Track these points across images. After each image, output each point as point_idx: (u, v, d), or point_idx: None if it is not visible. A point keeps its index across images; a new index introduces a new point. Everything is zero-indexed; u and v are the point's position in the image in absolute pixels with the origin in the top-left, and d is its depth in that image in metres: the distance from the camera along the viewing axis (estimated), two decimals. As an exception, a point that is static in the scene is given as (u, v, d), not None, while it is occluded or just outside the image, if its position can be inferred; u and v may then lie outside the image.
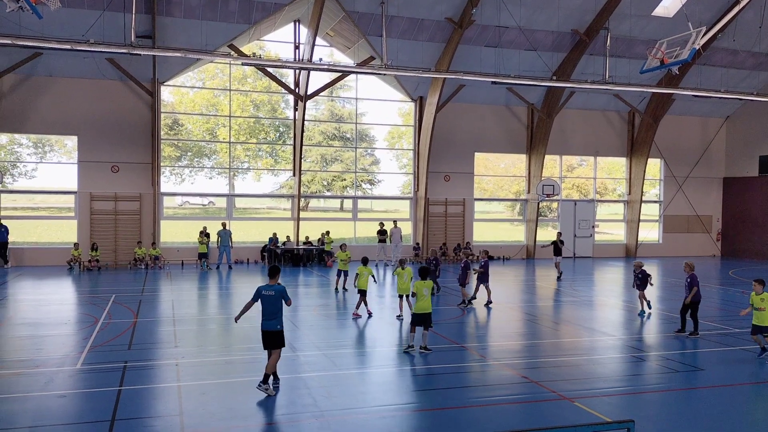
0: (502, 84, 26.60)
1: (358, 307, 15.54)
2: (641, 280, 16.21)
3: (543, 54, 27.99)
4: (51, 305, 17.05)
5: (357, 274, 15.86)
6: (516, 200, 34.03)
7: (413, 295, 12.34)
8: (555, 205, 33.75)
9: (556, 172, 33.36)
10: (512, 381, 10.47)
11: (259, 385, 9.36)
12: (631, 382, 10.71)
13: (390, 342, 13.41)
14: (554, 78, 25.47)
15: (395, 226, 28.28)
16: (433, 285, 12.97)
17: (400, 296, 15.21)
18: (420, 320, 12.02)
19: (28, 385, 9.65)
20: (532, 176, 31.75)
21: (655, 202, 35.31)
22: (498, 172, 34.36)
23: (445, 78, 27.07)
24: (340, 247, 20.33)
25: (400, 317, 15.17)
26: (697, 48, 18.25)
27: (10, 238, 24.98)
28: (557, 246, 24.40)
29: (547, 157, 31.47)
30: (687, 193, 34.81)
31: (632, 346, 13.06)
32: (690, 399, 9.70)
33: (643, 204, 33.64)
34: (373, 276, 16.18)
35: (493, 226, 35.09)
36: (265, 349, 9.80)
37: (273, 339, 9.63)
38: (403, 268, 15.07)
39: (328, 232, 28.25)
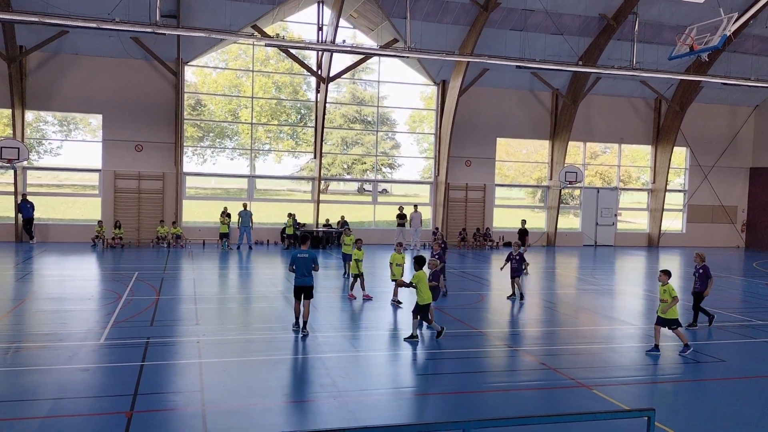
0: (527, 68, 26.26)
1: (352, 287, 15.97)
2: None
3: (569, 38, 27.57)
4: (75, 281, 17.34)
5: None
6: (537, 187, 33.75)
7: (410, 285, 11.86)
8: (577, 192, 33.44)
9: (579, 158, 32.99)
10: (530, 367, 10.45)
11: (295, 329, 11.85)
12: (651, 371, 10.63)
13: (408, 325, 13.43)
14: (580, 63, 25.14)
15: (415, 211, 28.24)
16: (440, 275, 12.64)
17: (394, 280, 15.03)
18: (420, 311, 11.65)
19: (52, 358, 9.84)
20: (555, 163, 31.44)
21: (680, 191, 34.81)
22: (520, 158, 34.09)
23: (468, 62, 26.82)
24: (344, 231, 20.01)
25: (395, 303, 15.02)
26: (728, 34, 17.85)
27: (36, 215, 25.39)
28: (523, 236, 22.57)
29: (570, 143, 31.13)
30: (712, 182, 34.25)
31: (652, 335, 12.94)
32: (711, 390, 9.61)
33: (667, 193, 33.18)
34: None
35: (513, 213, 34.86)
36: (296, 299, 11.86)
37: (306, 291, 11.83)
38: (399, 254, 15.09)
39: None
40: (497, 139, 31.17)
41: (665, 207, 33.34)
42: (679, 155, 34.28)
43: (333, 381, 9.20)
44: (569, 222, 34.14)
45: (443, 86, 29.72)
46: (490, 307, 15.83)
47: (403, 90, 31.15)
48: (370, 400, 8.56)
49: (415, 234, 28.15)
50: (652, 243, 33.56)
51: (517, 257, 16.15)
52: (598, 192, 33.14)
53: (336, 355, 10.56)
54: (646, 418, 5.27)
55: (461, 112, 29.00)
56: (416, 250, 27.68)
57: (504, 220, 32.50)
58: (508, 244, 30.94)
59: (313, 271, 11.88)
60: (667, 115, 32.71)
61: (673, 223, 34.41)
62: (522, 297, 16.14)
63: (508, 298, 16.22)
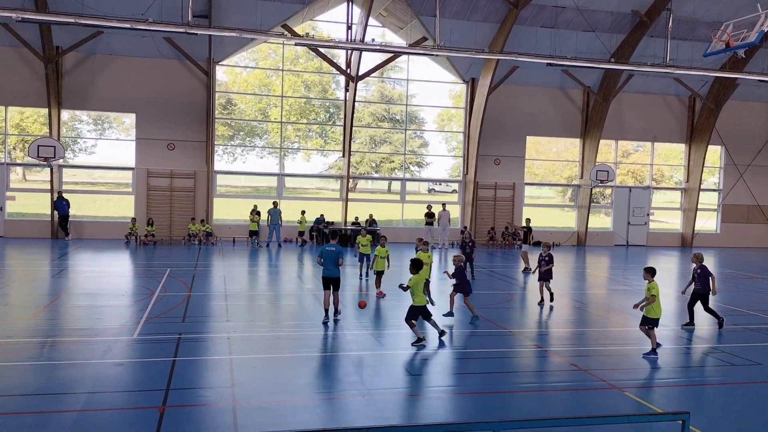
0: (558, 66, 25.97)
1: (379, 285, 16.01)
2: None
3: (601, 35, 27.21)
4: (109, 277, 17.67)
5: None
6: (568, 185, 33.36)
7: (406, 289, 11.37)
8: (609, 191, 32.99)
9: (610, 157, 32.54)
10: (561, 368, 10.34)
11: (325, 320, 12.54)
12: (684, 374, 10.44)
13: (438, 324, 13.40)
14: (612, 60, 24.79)
15: (443, 209, 28.16)
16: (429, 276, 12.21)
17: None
18: (419, 312, 11.30)
19: (87, 353, 10.04)
20: (586, 161, 31.06)
21: (714, 190, 34.11)
22: (550, 157, 33.74)
23: (498, 59, 26.64)
24: (359, 232, 19.86)
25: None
26: (766, 30, 17.42)
27: (71, 212, 25.94)
28: (527, 234, 22.08)
29: (601, 141, 30.72)
30: (748, 181, 33.47)
31: (685, 337, 12.71)
32: (747, 394, 9.38)
33: (701, 192, 32.53)
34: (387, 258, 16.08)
35: (542, 212, 34.55)
36: (325, 289, 12.76)
37: (334, 282, 12.78)
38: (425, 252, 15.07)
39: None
40: (527, 137, 30.89)
41: (699, 206, 32.70)
42: (714, 154, 33.59)
43: (361, 379, 9.22)
44: (600, 221, 33.68)
45: (472, 84, 29.56)
46: (520, 306, 15.70)
47: (431, 88, 31.07)
48: (398, 398, 8.56)
49: (444, 232, 28.06)
50: (686, 243, 32.94)
51: (546, 258, 15.39)
52: (630, 191, 32.65)
53: (364, 353, 10.58)
54: (681, 421, 5.18)
55: (490, 110, 28.82)
56: (445, 248, 27.61)
57: (532, 220, 32.16)
58: (537, 244, 30.67)
59: (339, 265, 12.73)
60: (702, 113, 32.06)
61: (707, 223, 33.73)
62: (552, 298, 15.46)
63: (539, 304, 15.43)
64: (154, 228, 25.83)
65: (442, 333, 11.59)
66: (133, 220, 25.82)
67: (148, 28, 19.08)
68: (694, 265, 13.38)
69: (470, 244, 19.05)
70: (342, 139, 29.13)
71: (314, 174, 31.85)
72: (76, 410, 7.66)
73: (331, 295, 12.74)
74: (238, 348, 10.67)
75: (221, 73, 28.56)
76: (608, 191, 33.06)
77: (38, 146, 23.92)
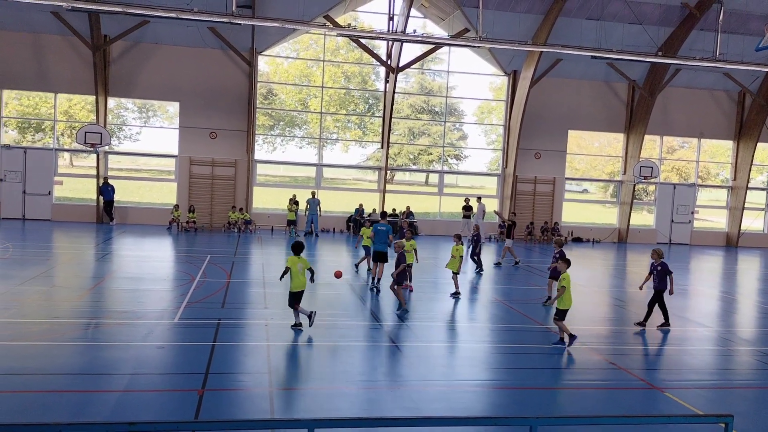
0: (603, 59, 25.42)
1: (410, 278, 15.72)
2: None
3: (648, 28, 26.54)
4: (151, 262, 18.08)
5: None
6: (610, 181, 32.74)
7: (285, 272, 11.13)
8: (652, 188, 32.27)
9: (655, 153, 31.80)
10: (599, 366, 10.19)
11: (371, 287, 14.61)
12: (726, 375, 10.19)
13: (472, 317, 13.36)
14: (659, 54, 24.18)
15: (479, 203, 27.94)
16: (309, 265, 11.39)
17: (455, 273, 14.88)
18: (298, 298, 11.12)
19: (130, 335, 10.31)
20: (629, 157, 30.42)
21: (762, 189, 33.05)
22: (591, 151, 33.14)
23: (541, 51, 26.23)
24: (364, 223, 19.66)
25: (455, 295, 14.88)
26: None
27: (116, 197, 26.59)
28: (510, 228, 21.34)
29: (646, 137, 30.03)
30: (800, 181, 32.34)
31: (727, 339, 12.39)
32: (793, 399, 9.11)
33: (748, 191, 31.56)
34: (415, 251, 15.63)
35: (583, 207, 33.99)
36: (374, 262, 15.23)
37: (382, 257, 15.03)
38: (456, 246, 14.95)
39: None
40: (569, 131, 30.40)
41: (746, 205, 31.73)
42: (763, 151, 32.52)
43: (395, 370, 9.25)
44: (642, 218, 32.99)
45: (514, 76, 29.20)
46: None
47: (471, 80, 30.80)
48: (432, 390, 8.56)
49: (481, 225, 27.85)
50: (731, 243, 32.03)
51: (557, 255, 14.08)
52: (675, 188, 31.87)
53: (399, 344, 10.60)
54: (724, 424, 5.06)
55: (532, 103, 28.43)
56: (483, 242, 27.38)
57: (572, 215, 31.75)
58: (577, 240, 30.24)
59: (389, 243, 14.77)
60: (752, 109, 31.04)
61: (754, 222, 32.71)
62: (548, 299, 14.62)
63: (544, 304, 14.53)
64: (195, 215, 26.31)
65: (310, 315, 11.11)
66: (176, 206, 26.33)
67: (193, 17, 19.36)
68: (653, 260, 12.73)
69: (475, 237, 18.67)
70: (381, 130, 29.13)
71: (352, 165, 31.96)
72: (119, 390, 7.87)
73: (378, 266, 15.08)
74: (275, 335, 10.81)
75: (263, 63, 28.81)
76: (652, 188, 32.34)
77: (85, 133, 24.54)
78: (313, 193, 27.05)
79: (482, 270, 18.77)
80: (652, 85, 29.13)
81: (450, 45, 26.45)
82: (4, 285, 13.55)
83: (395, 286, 12.94)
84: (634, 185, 30.23)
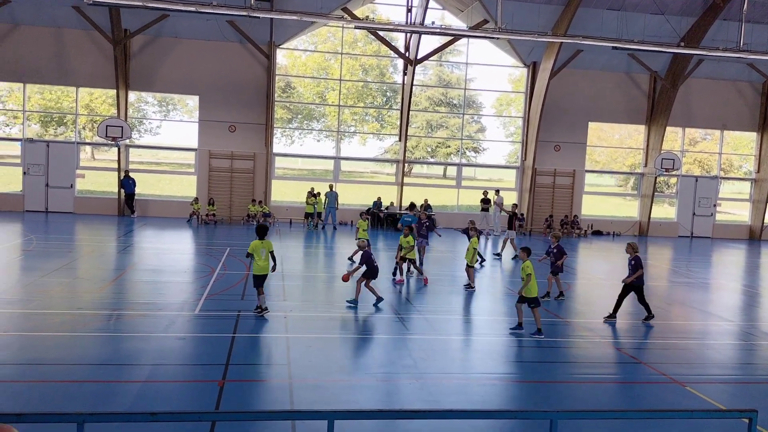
0: (624, 50, 25.08)
1: (407, 272, 15.99)
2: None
3: (671, 18, 26.13)
4: (172, 254, 18.25)
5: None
6: (631, 174, 32.38)
7: (247, 255, 11.53)
8: (674, 180, 31.87)
9: (677, 145, 31.38)
10: (619, 360, 10.11)
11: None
12: (749, 370, 10.05)
13: (489, 310, 13.31)
14: (682, 44, 23.78)
15: (498, 195, 27.80)
16: (272, 246, 11.60)
17: (470, 266, 14.94)
18: (261, 281, 11.42)
19: (151, 327, 10.42)
20: (651, 149, 30.05)
21: (788, 181, 32.46)
22: (612, 143, 32.79)
23: (561, 42, 25.96)
24: (360, 215, 19.51)
25: (467, 287, 14.93)
26: None
27: (137, 190, 26.86)
28: (512, 219, 20.98)
29: (668, 128, 29.63)
30: (826, 173, 31.71)
31: (750, 333, 12.22)
32: (818, 395, 8.96)
33: (773, 183, 31.04)
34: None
35: (603, 200, 33.67)
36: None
37: None
38: (470, 239, 15.22)
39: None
40: (589, 123, 30.09)
41: (771, 198, 31.22)
42: (789, 143, 31.92)
43: (414, 362, 9.25)
44: (664, 211, 32.61)
45: (534, 68, 28.95)
46: (577, 296, 15.41)
47: (490, 72, 30.59)
48: (451, 383, 8.55)
49: (495, 220, 27.72)
50: (754, 236, 31.55)
51: (555, 251, 14.22)
52: (697, 180, 31.44)
53: (417, 337, 10.61)
54: (747, 419, 4.99)
55: (552, 94, 28.17)
56: (497, 235, 27.29)
57: (592, 208, 31.47)
58: (597, 233, 29.98)
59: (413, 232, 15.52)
60: (777, 100, 30.48)
61: (779, 215, 32.17)
62: (560, 294, 14.42)
63: (542, 297, 13.78)
64: (215, 208, 26.50)
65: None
66: (196, 199, 26.53)
67: (212, 11, 19.42)
68: (629, 255, 12.54)
69: (465, 231, 18.19)
70: (399, 123, 29.07)
71: (370, 158, 31.94)
72: (141, 381, 7.97)
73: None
74: (294, 327, 10.86)
75: (281, 56, 28.87)
76: (673, 180, 31.93)
77: (107, 126, 24.80)
78: (331, 186, 27.10)
79: (484, 261, 18.80)
80: (674, 76, 28.71)
81: (469, 36, 26.26)
82: (28, 277, 13.77)
83: (362, 281, 12.74)
84: (656, 177, 29.87)
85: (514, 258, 20.39)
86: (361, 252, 13.23)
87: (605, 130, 32.16)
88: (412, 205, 18.06)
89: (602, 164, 32.69)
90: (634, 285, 12.36)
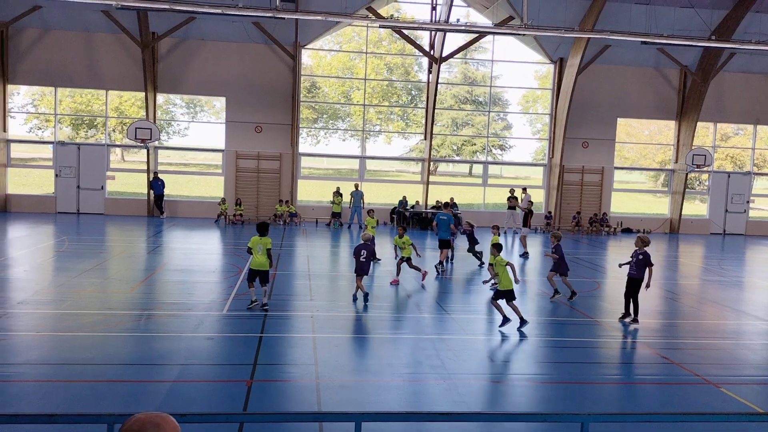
0: (653, 44, 24.64)
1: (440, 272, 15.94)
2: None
3: (701, 11, 25.61)
4: (200, 254, 18.44)
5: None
6: (661, 170, 31.84)
7: (248, 251, 11.82)
8: (705, 176, 31.25)
9: (708, 140, 30.76)
10: (651, 361, 9.93)
11: (438, 268, 16.01)
12: (788, 372, 9.77)
13: (521, 311, 13.17)
14: (713, 38, 23.28)
15: (525, 193, 27.52)
16: (270, 243, 11.71)
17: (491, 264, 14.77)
18: (254, 276, 11.63)
19: (180, 327, 10.52)
20: (681, 145, 29.49)
21: (825, 177, 31.63)
22: (641, 140, 32.27)
23: (589, 38, 25.60)
24: (368, 212, 19.34)
25: (487, 283, 14.92)
26: None
27: (165, 191, 27.20)
28: (527, 217, 20.64)
29: (699, 124, 29.06)
30: None
31: (790, 334, 11.89)
32: None
33: (809, 179, 30.27)
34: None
35: (633, 197, 33.18)
36: (441, 248, 16.59)
37: (446, 243, 16.50)
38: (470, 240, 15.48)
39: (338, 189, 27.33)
40: (618, 119, 29.65)
41: (807, 194, 30.44)
42: (826, 137, 31.11)
43: (443, 362, 9.19)
44: (695, 208, 32.02)
45: (560, 64, 28.61)
46: (607, 295, 15.19)
47: (516, 69, 30.33)
48: (480, 384, 8.48)
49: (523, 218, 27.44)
50: (790, 233, 30.79)
51: (552, 250, 13.64)
52: (729, 177, 30.78)
53: (445, 337, 10.54)
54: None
55: (579, 90, 27.82)
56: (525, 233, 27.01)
57: (621, 206, 31.02)
58: (627, 230, 29.52)
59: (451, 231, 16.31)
60: (813, 93, 29.69)
61: (816, 211, 31.36)
62: (554, 294, 13.73)
63: (552, 299, 13.66)
64: (242, 208, 26.72)
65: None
66: (223, 200, 26.78)
67: (238, 13, 19.58)
68: (636, 248, 11.98)
69: (468, 233, 17.71)
70: (424, 121, 28.98)
71: (395, 156, 31.90)
72: (171, 381, 8.04)
73: (442, 252, 16.41)
74: (321, 327, 10.88)
75: (306, 56, 28.98)
76: (705, 177, 31.31)
77: (136, 128, 25.16)
78: (356, 186, 27.12)
79: (483, 263, 18.19)
80: (705, 70, 28.14)
81: (494, 33, 26.06)
82: (61, 277, 14.02)
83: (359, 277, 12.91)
84: (687, 174, 29.32)
85: (523, 255, 20.20)
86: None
87: (634, 126, 31.68)
88: (447, 204, 18.05)
89: (631, 161, 32.20)
90: (634, 279, 11.85)
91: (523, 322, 11.13)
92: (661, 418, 5.57)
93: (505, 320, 11.14)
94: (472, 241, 17.68)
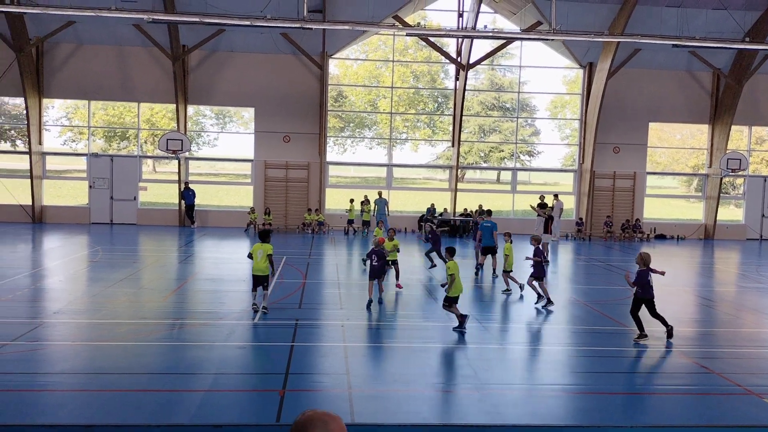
0: (685, 47, 24.24)
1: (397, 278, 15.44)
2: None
3: (734, 13, 25.10)
4: (230, 263, 18.57)
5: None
6: (694, 175, 31.22)
7: (249, 256, 12.12)
8: (740, 181, 30.56)
9: (743, 144, 30.08)
10: (689, 370, 9.67)
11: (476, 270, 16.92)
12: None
13: (550, 318, 12.99)
14: (747, 39, 22.81)
15: (556, 200, 27.19)
16: (271, 249, 11.95)
17: (506, 271, 14.90)
18: (257, 282, 11.95)
19: (212, 336, 10.58)
20: (715, 149, 28.89)
21: None
22: (673, 144, 31.71)
23: (619, 42, 25.28)
24: (377, 223, 19.10)
25: (507, 292, 14.85)
26: None
27: (196, 201, 27.53)
28: (548, 223, 20.34)
29: (733, 127, 28.43)
30: None
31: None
32: None
33: None
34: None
35: (666, 203, 32.60)
36: (483, 254, 16.86)
37: (491, 250, 16.82)
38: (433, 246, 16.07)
39: (351, 200, 27.49)
40: (649, 123, 29.17)
41: None
42: None
43: (475, 372, 9.08)
44: (730, 213, 31.32)
45: (590, 69, 28.29)
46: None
47: (544, 74, 30.07)
48: (513, 395, 8.35)
49: (555, 225, 27.10)
50: (831, 238, 29.89)
51: (534, 254, 13.69)
52: (765, 181, 30.04)
53: (476, 347, 10.42)
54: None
55: (609, 95, 27.46)
56: (556, 241, 26.70)
57: (654, 211, 30.48)
58: (660, 237, 28.97)
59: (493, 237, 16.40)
60: None
61: None
62: (538, 299, 13.53)
63: (545, 306, 13.41)
64: (271, 217, 26.89)
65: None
66: (252, 209, 26.99)
67: (266, 24, 19.78)
68: (638, 266, 11.13)
69: (432, 237, 17.67)
70: (451, 128, 28.88)
71: (423, 164, 31.80)
72: (204, 390, 8.07)
73: (489, 258, 16.88)
74: (352, 336, 10.85)
75: (333, 66, 29.13)
76: (740, 181, 30.62)
77: (167, 140, 25.53)
78: (380, 193, 27.10)
79: (434, 265, 17.90)
80: (738, 72, 27.56)
81: (522, 39, 25.89)
82: (96, 287, 14.24)
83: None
84: (721, 178, 28.70)
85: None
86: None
87: (666, 131, 31.15)
88: (488, 211, 18.20)
89: (664, 166, 31.65)
90: (641, 298, 10.97)
91: (461, 324, 11.13)
92: (704, 431, 5.40)
93: (462, 323, 11.12)
94: (436, 244, 17.51)
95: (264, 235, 12.20)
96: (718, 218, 29.30)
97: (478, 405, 7.89)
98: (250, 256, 12.09)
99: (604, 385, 8.89)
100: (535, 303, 13.57)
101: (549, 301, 13.37)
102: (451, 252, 11.62)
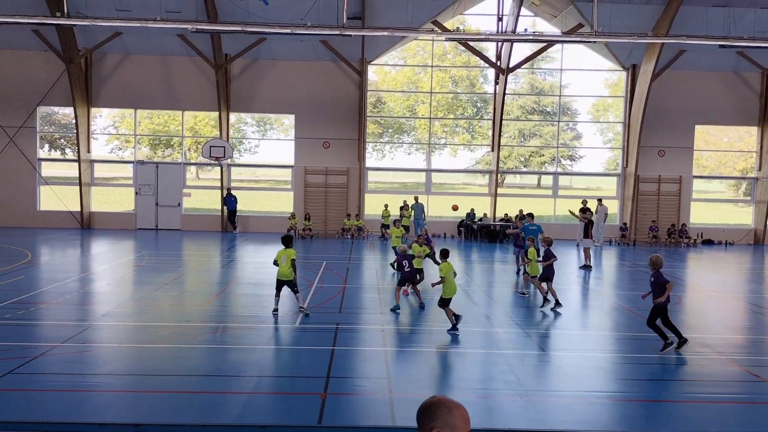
0: (732, 47, 23.59)
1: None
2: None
3: (784, 10, 24.35)
4: (271, 268, 18.63)
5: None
6: (742, 178, 30.31)
7: (274, 262, 12.30)
8: (792, 184, 29.50)
9: (794, 146, 29.06)
10: (740, 378, 9.38)
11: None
12: None
13: (593, 324, 12.77)
14: (798, 37, 22.06)
15: (600, 204, 26.72)
16: (294, 254, 12.24)
17: (533, 276, 14.30)
18: (280, 285, 12.16)
19: (255, 339, 10.72)
20: (765, 151, 27.99)
21: None
22: (720, 147, 30.85)
23: (663, 43, 24.76)
24: (394, 222, 18.92)
25: (523, 294, 14.81)
26: None
27: (238, 207, 27.96)
28: (587, 227, 19.72)
29: (784, 129, 27.54)
30: None
31: None
32: None
33: None
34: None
35: (713, 207, 31.71)
36: (527, 257, 15.03)
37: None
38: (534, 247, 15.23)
39: (386, 206, 27.27)
40: (695, 126, 28.45)
41: None
42: None
43: (518, 379, 8.98)
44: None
45: (633, 71, 27.76)
46: (689, 309, 14.50)
47: (585, 78, 29.65)
48: (558, 402, 8.22)
49: (597, 230, 26.63)
50: None
51: (542, 254, 13.90)
52: (819, 184, 28.94)
53: (519, 352, 10.30)
54: None
55: (653, 98, 26.88)
56: (600, 246, 26.22)
57: (701, 216, 29.68)
58: (708, 242, 28.19)
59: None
60: None
61: None
62: (544, 303, 13.56)
63: (552, 308, 13.41)
64: (311, 222, 27.14)
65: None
66: (293, 214, 27.28)
67: (306, 32, 20.01)
68: (651, 271, 10.62)
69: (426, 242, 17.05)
70: (491, 133, 28.69)
71: (462, 169, 31.65)
72: (247, 392, 8.18)
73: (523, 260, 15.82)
74: (392, 340, 10.86)
75: (372, 72, 29.28)
76: (792, 184, 29.58)
77: (210, 147, 26.02)
78: (416, 198, 27.05)
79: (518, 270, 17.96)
80: (789, 72, 26.69)
81: (564, 42, 25.59)
82: (142, 291, 14.58)
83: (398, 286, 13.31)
84: (772, 182, 27.78)
85: (583, 267, 19.39)
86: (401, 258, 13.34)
87: (712, 134, 30.35)
88: (530, 214, 17.92)
89: (710, 169, 30.82)
90: (656, 304, 10.48)
91: (454, 326, 11.10)
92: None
93: (458, 317, 11.19)
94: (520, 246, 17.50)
95: (287, 241, 12.47)
96: (768, 223, 28.38)
97: (522, 411, 7.80)
98: (275, 263, 12.33)
99: (650, 392, 8.70)
100: (541, 306, 13.45)
101: (557, 303, 13.27)
102: (445, 254, 11.76)
